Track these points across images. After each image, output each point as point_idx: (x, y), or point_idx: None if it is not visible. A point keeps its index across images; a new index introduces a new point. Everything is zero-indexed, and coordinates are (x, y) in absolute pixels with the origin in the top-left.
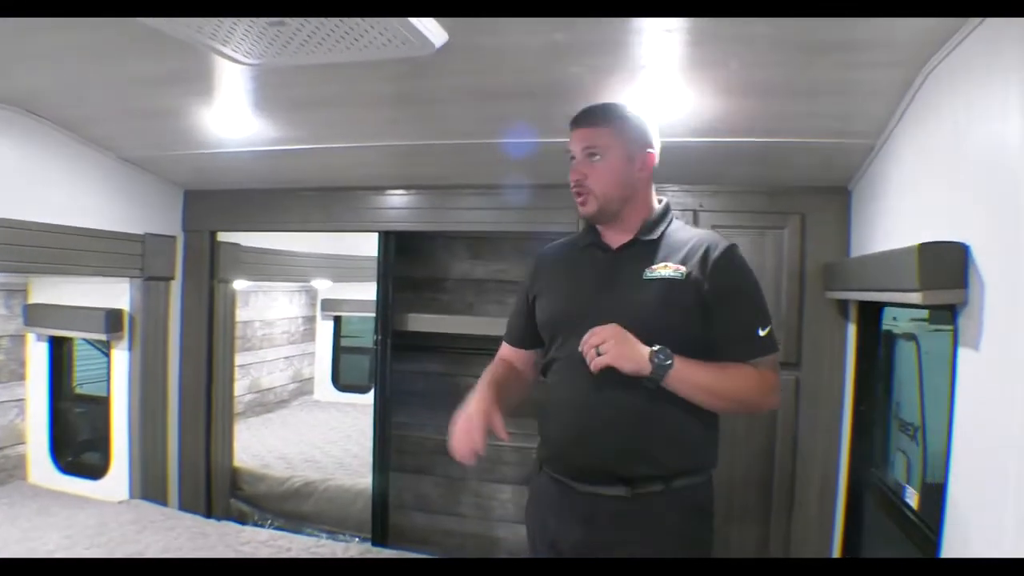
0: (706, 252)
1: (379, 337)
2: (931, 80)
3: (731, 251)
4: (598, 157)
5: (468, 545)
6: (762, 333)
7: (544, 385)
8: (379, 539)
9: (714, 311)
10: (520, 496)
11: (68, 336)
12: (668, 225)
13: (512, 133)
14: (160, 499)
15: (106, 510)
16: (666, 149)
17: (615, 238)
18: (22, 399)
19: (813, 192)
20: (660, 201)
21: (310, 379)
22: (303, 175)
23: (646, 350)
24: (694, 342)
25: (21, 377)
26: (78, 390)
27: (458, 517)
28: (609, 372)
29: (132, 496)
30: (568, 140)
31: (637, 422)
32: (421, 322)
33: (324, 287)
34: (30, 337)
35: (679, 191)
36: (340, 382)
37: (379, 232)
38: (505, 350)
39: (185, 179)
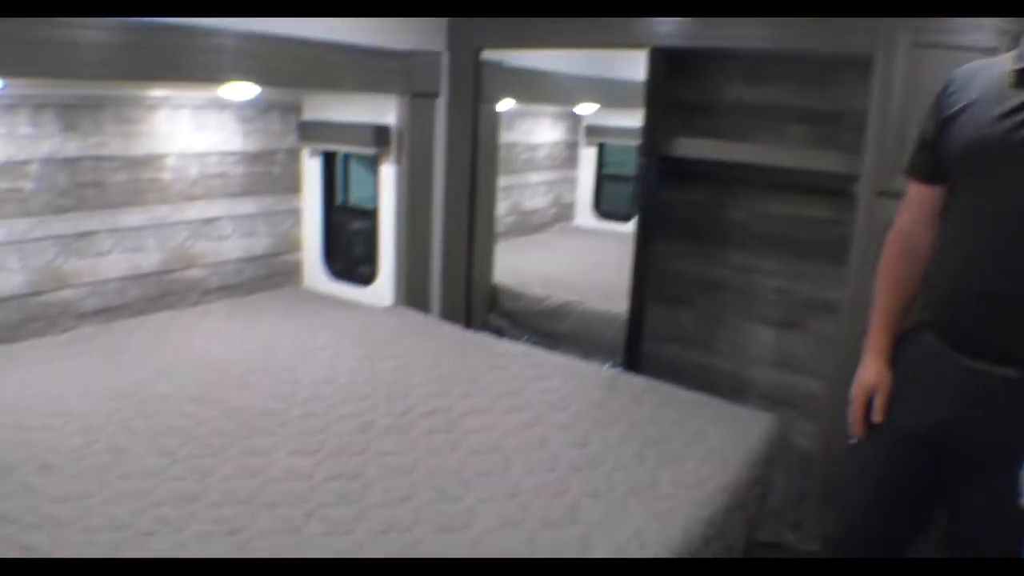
0: None
1: (643, 160)
2: None
3: None
4: None
5: (720, 384)
6: None
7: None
8: (631, 365)
9: None
10: (781, 341)
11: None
12: None
13: None
14: (422, 309)
15: (372, 314)
16: None
17: None
18: (298, 210)
19: None
20: None
21: (571, 204)
22: None
23: None
24: None
25: (296, 190)
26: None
27: (713, 353)
28: None
29: (396, 304)
30: None
31: None
32: (688, 146)
33: (588, 112)
34: (304, 152)
35: None
36: (601, 209)
37: (649, 48)
38: (912, 194)
39: None
